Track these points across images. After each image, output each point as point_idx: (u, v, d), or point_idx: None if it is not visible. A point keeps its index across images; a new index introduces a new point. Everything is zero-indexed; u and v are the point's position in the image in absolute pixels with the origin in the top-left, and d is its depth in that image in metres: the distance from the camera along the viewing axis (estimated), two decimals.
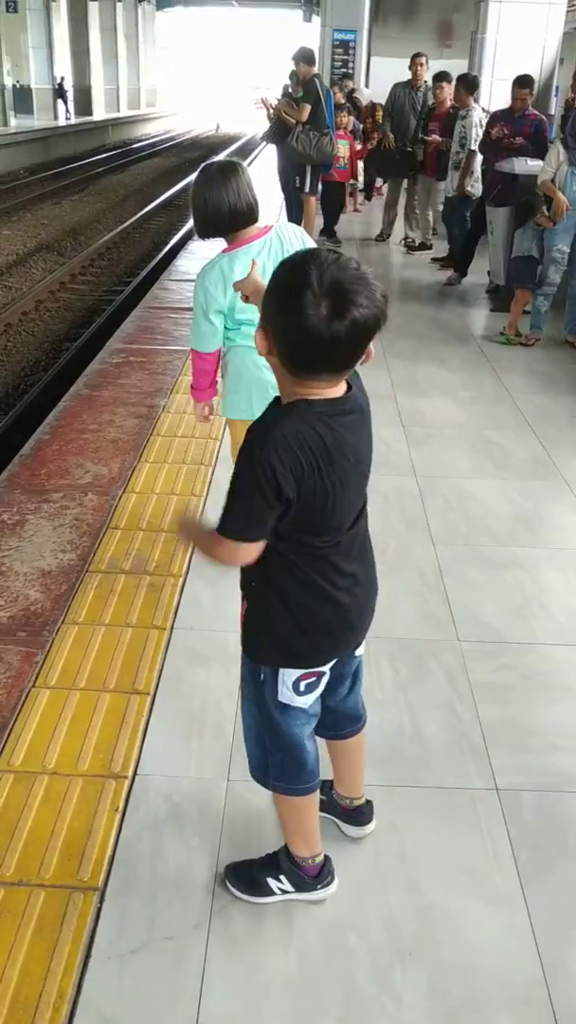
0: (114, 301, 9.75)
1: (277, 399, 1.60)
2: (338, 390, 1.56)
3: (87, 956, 1.83)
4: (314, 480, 1.52)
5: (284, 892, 1.96)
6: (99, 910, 1.93)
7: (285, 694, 1.77)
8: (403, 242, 9.68)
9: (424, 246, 9.44)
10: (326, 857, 1.98)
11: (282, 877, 1.96)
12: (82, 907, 1.93)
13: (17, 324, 8.96)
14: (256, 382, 2.97)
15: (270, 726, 1.82)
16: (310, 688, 1.78)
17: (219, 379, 3.02)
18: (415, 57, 9.11)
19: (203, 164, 2.86)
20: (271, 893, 1.96)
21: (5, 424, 6.22)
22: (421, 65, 9.07)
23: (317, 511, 1.57)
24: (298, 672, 1.76)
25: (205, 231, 2.79)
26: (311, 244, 2.91)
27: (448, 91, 8.55)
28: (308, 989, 1.79)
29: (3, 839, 2.08)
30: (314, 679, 1.78)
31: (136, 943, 1.87)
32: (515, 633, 2.98)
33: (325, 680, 1.82)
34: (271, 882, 1.96)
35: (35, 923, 1.89)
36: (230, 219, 2.71)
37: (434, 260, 8.84)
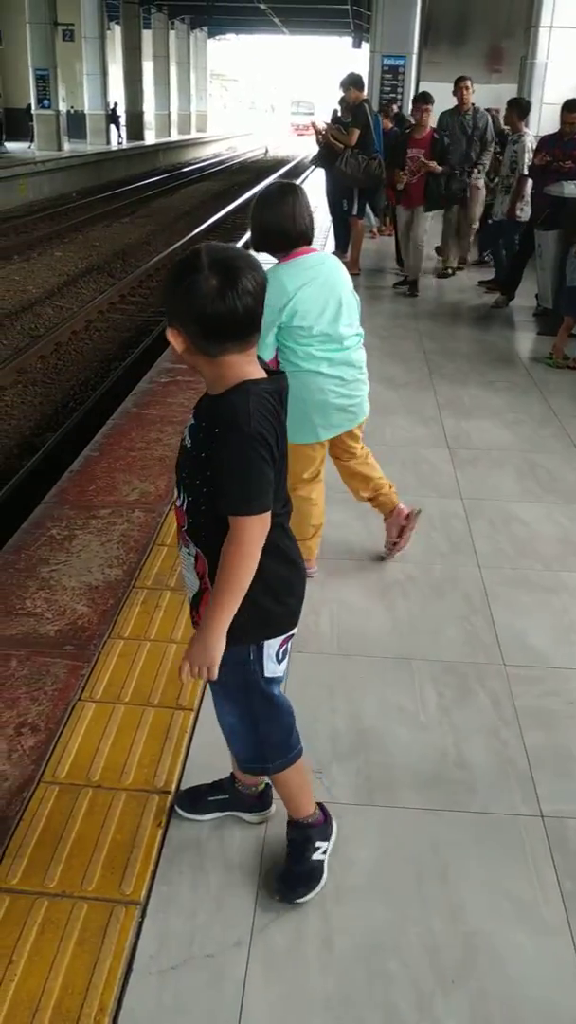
0: (162, 322, 9.87)
1: (206, 394, 1.76)
2: (262, 371, 1.72)
3: (128, 970, 1.84)
4: (276, 446, 1.70)
5: (324, 853, 2.05)
6: (140, 924, 1.94)
7: (270, 667, 1.89)
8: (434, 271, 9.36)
9: (445, 274, 9.31)
10: (318, 802, 2.10)
11: (317, 844, 2.04)
12: (124, 921, 1.94)
13: (67, 343, 9.12)
14: (321, 406, 3.03)
15: (264, 704, 1.92)
16: (285, 655, 1.94)
17: None
18: (459, 81, 8.92)
19: (265, 185, 2.98)
20: (320, 866, 2.04)
21: (55, 440, 6.33)
22: (466, 89, 8.86)
23: (277, 477, 1.74)
24: (279, 640, 1.89)
25: (260, 248, 2.92)
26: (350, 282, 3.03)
27: (430, 114, 8.37)
28: (348, 1012, 1.78)
29: (47, 850, 2.10)
30: (287, 644, 1.93)
31: (177, 959, 1.87)
32: (562, 658, 2.94)
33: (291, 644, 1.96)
34: (315, 858, 2.04)
35: (77, 935, 1.90)
36: (284, 240, 2.83)
37: (481, 283, 8.83)
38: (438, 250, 9.82)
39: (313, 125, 9.14)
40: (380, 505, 3.49)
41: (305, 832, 2.06)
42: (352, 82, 8.64)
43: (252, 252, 1.82)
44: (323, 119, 9.61)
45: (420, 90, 10.51)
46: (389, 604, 3.23)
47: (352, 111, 8.57)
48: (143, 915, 1.96)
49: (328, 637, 3.01)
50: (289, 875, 2.04)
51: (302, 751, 2.03)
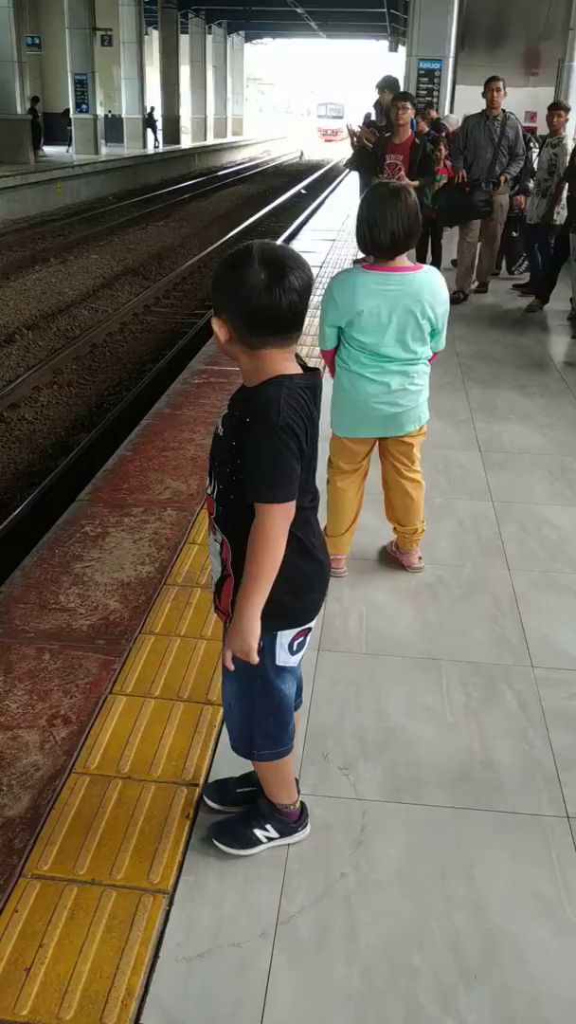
0: (196, 324, 9.96)
1: (242, 386, 1.81)
2: (298, 368, 1.77)
3: (155, 957, 1.88)
4: (306, 439, 1.74)
5: (270, 839, 2.12)
6: (168, 913, 1.97)
7: (282, 656, 1.93)
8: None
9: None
10: (302, 803, 2.17)
11: (268, 826, 2.12)
12: (151, 909, 1.97)
13: (102, 345, 9.22)
14: (363, 406, 3.06)
15: (264, 693, 1.95)
16: (300, 646, 1.97)
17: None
18: (490, 82, 7.67)
19: (374, 184, 3.01)
20: (258, 843, 2.12)
21: (90, 440, 6.41)
22: (497, 91, 7.61)
23: (305, 470, 1.78)
24: (293, 632, 1.92)
25: (366, 248, 2.95)
26: (445, 304, 3.01)
27: (410, 114, 7.66)
28: (371, 1005, 1.80)
29: (78, 839, 2.14)
30: (304, 637, 1.96)
31: (203, 948, 1.90)
32: None
33: (309, 637, 1.99)
34: (257, 832, 2.12)
35: (106, 922, 1.94)
36: (391, 243, 2.83)
37: (515, 287, 8.79)
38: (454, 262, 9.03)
39: (348, 127, 9.12)
40: (399, 538, 3.47)
41: (268, 810, 2.13)
42: (386, 84, 8.66)
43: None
44: (356, 121, 9.51)
45: (451, 93, 10.34)
46: (418, 605, 3.25)
47: (386, 114, 8.60)
48: (170, 904, 1.99)
49: (357, 637, 3.03)
50: (230, 824, 2.16)
51: (291, 750, 2.07)
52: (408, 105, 7.60)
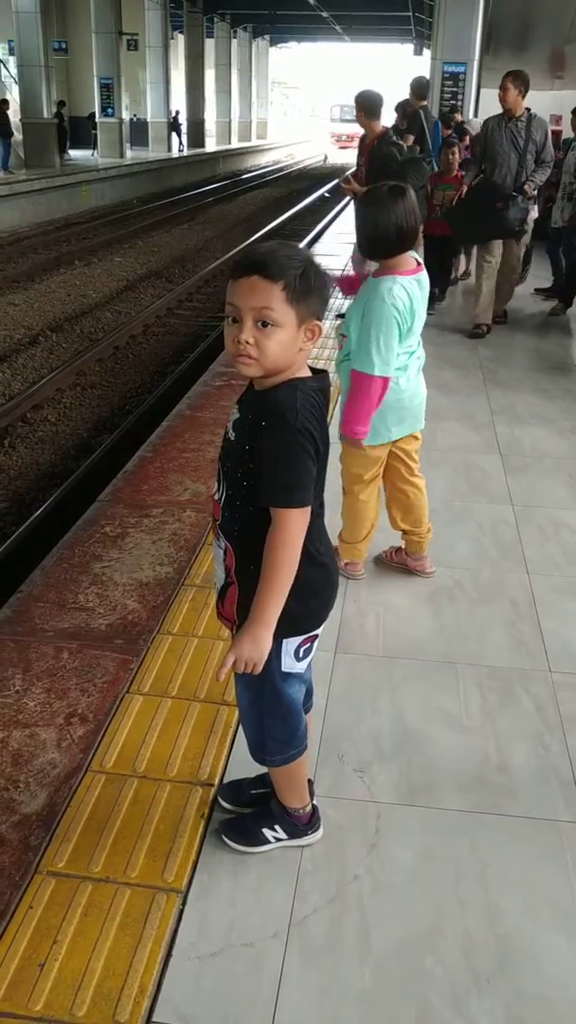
0: (218, 327, 9.99)
1: (250, 389, 1.81)
2: (308, 370, 1.79)
3: (168, 955, 1.88)
4: (320, 442, 1.73)
5: (278, 840, 2.13)
6: (181, 912, 1.98)
7: (288, 663, 1.91)
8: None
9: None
10: (314, 805, 2.16)
11: (277, 827, 2.12)
12: (165, 907, 1.98)
13: (125, 347, 9.28)
14: (395, 404, 3.06)
15: (273, 699, 1.94)
16: (307, 653, 1.94)
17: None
18: (505, 79, 6.72)
19: (371, 186, 3.01)
20: (266, 842, 2.13)
21: (111, 442, 6.45)
22: (504, 90, 6.65)
23: (318, 474, 1.76)
24: (299, 639, 1.90)
25: (373, 251, 2.94)
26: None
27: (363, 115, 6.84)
28: (382, 1006, 1.80)
29: (93, 836, 2.16)
30: (310, 644, 1.94)
31: (215, 947, 1.91)
32: None
33: (317, 644, 1.97)
34: (266, 832, 2.12)
35: (120, 919, 1.95)
36: (397, 239, 2.85)
37: (537, 291, 8.74)
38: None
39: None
40: (409, 543, 3.45)
41: (278, 812, 2.13)
42: (415, 86, 8.62)
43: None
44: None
45: (475, 96, 10.07)
46: (436, 608, 3.24)
47: (408, 117, 8.57)
48: (184, 903, 2.00)
49: (374, 639, 3.03)
50: (241, 822, 2.18)
51: (303, 752, 2.05)
52: (360, 110, 6.84)
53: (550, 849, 2.19)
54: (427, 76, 10.38)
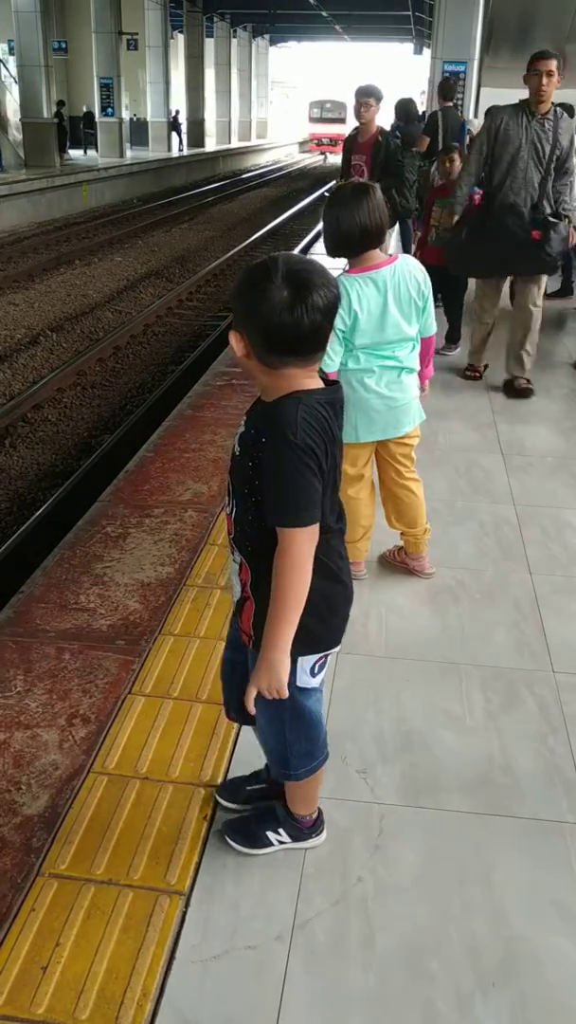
0: (219, 326, 9.98)
1: (259, 399, 1.74)
2: (319, 382, 1.70)
3: (171, 958, 1.87)
4: (327, 457, 1.67)
5: (281, 843, 2.12)
6: (184, 914, 1.97)
7: (303, 679, 1.88)
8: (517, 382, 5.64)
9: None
10: (319, 809, 2.15)
11: (280, 830, 2.12)
12: (168, 910, 1.97)
13: (125, 347, 9.27)
14: (363, 404, 3.03)
15: (293, 714, 1.91)
16: (322, 668, 1.93)
17: None
18: (537, 60, 4.94)
19: (335, 187, 2.97)
20: (269, 844, 2.12)
21: (112, 442, 6.44)
22: (549, 75, 4.90)
23: (328, 490, 1.71)
24: (316, 656, 1.88)
25: (336, 250, 2.90)
26: (428, 283, 2.98)
27: (374, 111, 6.55)
28: (387, 1010, 1.79)
29: (95, 839, 2.14)
30: (325, 659, 1.92)
31: (218, 950, 1.90)
32: None
33: (331, 658, 1.95)
34: (269, 835, 2.12)
35: (122, 922, 1.94)
36: (362, 239, 2.82)
37: (546, 296, 8.65)
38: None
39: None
40: (406, 543, 3.44)
41: (284, 816, 2.12)
42: (441, 85, 8.55)
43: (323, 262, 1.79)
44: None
45: (475, 96, 9.71)
46: (438, 608, 3.23)
47: (426, 116, 8.47)
48: (187, 905, 1.99)
49: (376, 640, 3.02)
50: (245, 824, 2.16)
51: (326, 758, 2.04)
52: (372, 101, 6.61)
53: (555, 851, 2.17)
54: (453, 76, 10.06)
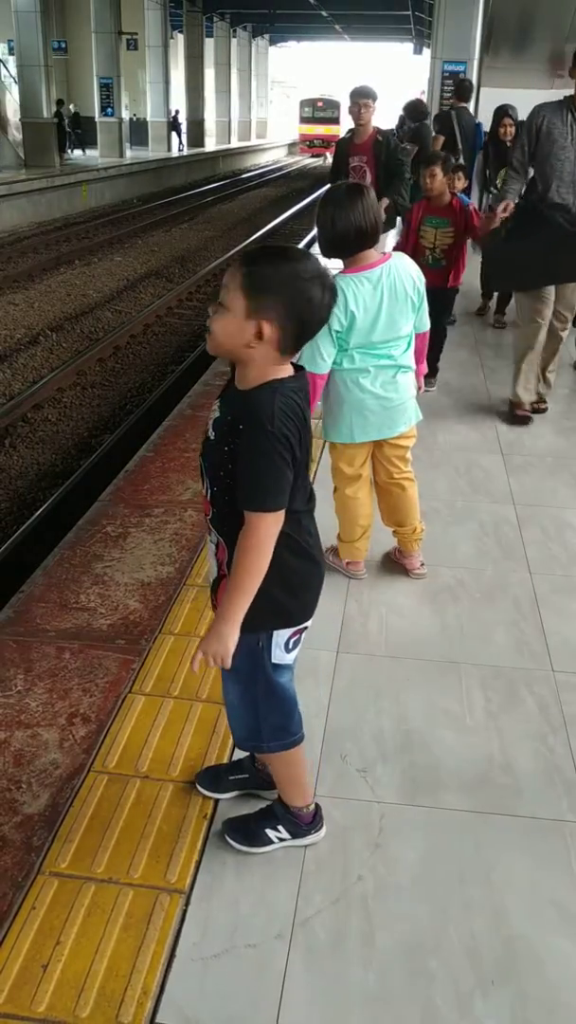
0: None
1: (231, 385, 1.80)
2: (291, 369, 1.78)
3: (171, 956, 1.88)
4: (300, 444, 1.73)
5: (281, 840, 2.12)
6: (184, 913, 1.97)
7: (277, 655, 1.93)
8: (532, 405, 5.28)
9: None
10: (317, 805, 2.16)
11: (280, 827, 2.12)
12: (168, 908, 1.97)
13: (125, 347, 9.27)
14: (358, 404, 3.03)
15: (267, 690, 1.96)
16: (296, 644, 1.97)
17: (318, 402, 3.08)
18: None
19: (329, 186, 2.97)
20: (269, 842, 2.12)
21: (112, 442, 6.44)
22: None
23: (300, 474, 1.77)
24: (290, 631, 1.93)
25: (331, 251, 2.91)
26: (422, 280, 2.99)
27: (372, 112, 6.31)
28: (387, 1008, 1.79)
29: (96, 837, 2.15)
30: (299, 636, 1.97)
31: (219, 948, 1.90)
32: None
33: (305, 636, 2.00)
34: (269, 832, 2.12)
35: (123, 920, 1.94)
36: (356, 239, 2.82)
37: None
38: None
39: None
40: (398, 541, 3.45)
41: (282, 812, 2.12)
42: (457, 85, 8.46)
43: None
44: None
45: (475, 96, 9.48)
46: (438, 608, 3.23)
47: (439, 116, 8.35)
48: (187, 904, 1.99)
49: (376, 639, 3.02)
50: (244, 823, 2.16)
51: (302, 739, 2.06)
52: (370, 102, 6.39)
53: (555, 850, 2.18)
54: (468, 80, 9.91)
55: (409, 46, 37.89)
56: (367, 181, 6.24)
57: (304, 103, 41.80)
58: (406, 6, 30.07)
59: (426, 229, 5.27)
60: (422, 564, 3.43)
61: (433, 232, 5.25)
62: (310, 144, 39.69)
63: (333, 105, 40.06)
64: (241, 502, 1.73)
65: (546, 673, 2.86)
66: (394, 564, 3.48)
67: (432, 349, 4.71)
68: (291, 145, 46.74)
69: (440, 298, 4.97)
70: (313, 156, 37.69)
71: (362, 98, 6.44)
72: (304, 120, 41.13)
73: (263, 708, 2.00)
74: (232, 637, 1.76)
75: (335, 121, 38.12)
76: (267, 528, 1.73)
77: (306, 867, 2.10)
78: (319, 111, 40.11)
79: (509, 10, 15.18)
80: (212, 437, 1.82)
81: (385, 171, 6.52)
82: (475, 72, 13.46)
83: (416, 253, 5.05)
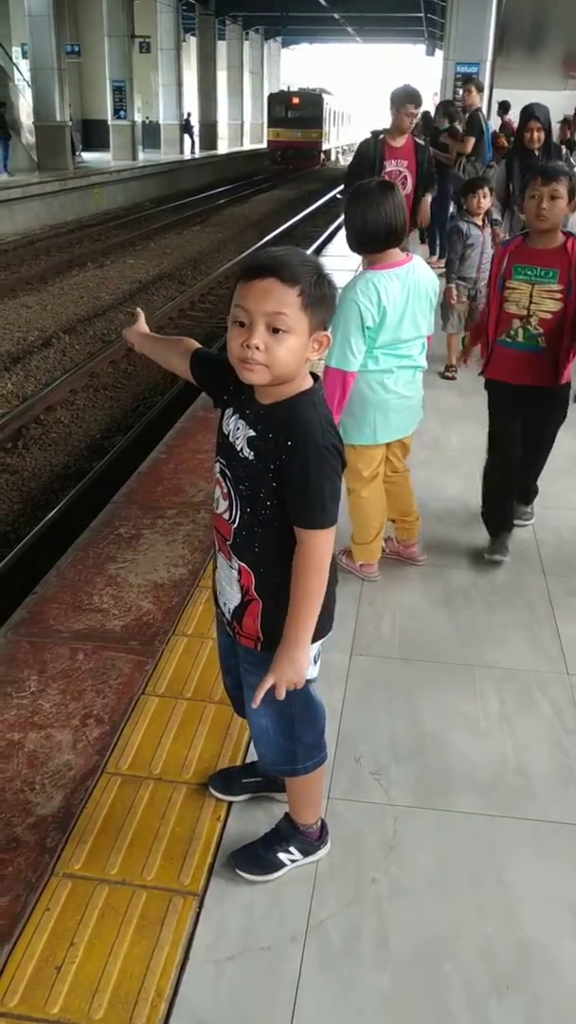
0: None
1: (253, 401, 1.73)
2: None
3: (185, 959, 1.87)
4: (343, 455, 1.72)
5: (293, 861, 2.08)
6: (198, 915, 1.97)
7: (311, 670, 1.90)
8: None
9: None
10: (322, 819, 2.13)
11: (291, 848, 2.07)
12: (182, 910, 1.97)
13: None
14: (382, 405, 3.07)
15: (304, 706, 1.93)
16: (318, 656, 1.95)
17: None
18: None
19: (357, 184, 3.00)
20: (282, 865, 2.07)
21: (124, 444, 6.45)
22: None
23: None
24: (319, 644, 1.90)
25: (361, 246, 2.95)
26: (436, 282, 3.08)
27: (414, 118, 6.07)
28: (400, 1012, 1.78)
29: (109, 839, 2.15)
30: (320, 646, 1.94)
31: (233, 950, 1.90)
32: None
33: (345, 660, 2.00)
34: (281, 856, 2.07)
35: (136, 922, 1.94)
36: (387, 236, 2.87)
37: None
38: None
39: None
40: (400, 531, 3.51)
41: (291, 831, 2.09)
42: (478, 84, 8.36)
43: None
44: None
45: (488, 97, 9.31)
46: (452, 610, 3.22)
47: (469, 117, 8.02)
48: (201, 906, 1.99)
49: (390, 641, 3.02)
50: (252, 851, 2.09)
51: (327, 756, 2.04)
52: (413, 108, 6.02)
53: (568, 853, 2.17)
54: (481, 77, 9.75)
55: (421, 47, 37.86)
56: (407, 189, 5.85)
57: (274, 99, 31.29)
58: (418, 8, 30.02)
59: (516, 284, 3.26)
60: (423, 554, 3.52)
61: (528, 290, 3.24)
62: (282, 155, 29.32)
63: (314, 102, 30.26)
64: (301, 521, 1.68)
65: (560, 676, 2.84)
66: (395, 563, 3.47)
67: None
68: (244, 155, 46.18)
69: (547, 406, 3.45)
70: (291, 167, 27.68)
71: (411, 106, 5.89)
72: (275, 123, 30.63)
73: (299, 728, 1.95)
74: (304, 660, 1.76)
75: (316, 123, 29.34)
76: (327, 544, 1.70)
77: (320, 870, 2.10)
78: (295, 110, 29.66)
79: (522, 11, 15.15)
80: (251, 457, 1.71)
81: (424, 180, 6.26)
82: (488, 73, 13.42)
83: (498, 324, 3.35)
